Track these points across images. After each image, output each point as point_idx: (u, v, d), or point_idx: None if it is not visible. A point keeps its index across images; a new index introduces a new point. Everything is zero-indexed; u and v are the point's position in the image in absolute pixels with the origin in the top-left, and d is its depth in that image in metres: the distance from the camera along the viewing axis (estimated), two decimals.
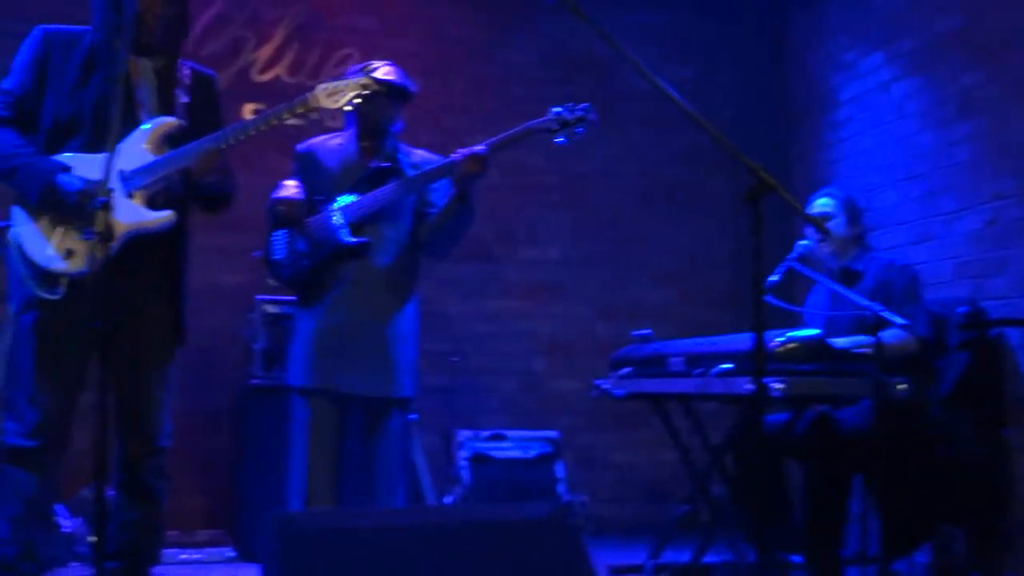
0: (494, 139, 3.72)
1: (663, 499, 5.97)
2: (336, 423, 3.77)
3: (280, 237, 3.81)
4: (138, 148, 3.18)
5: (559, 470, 5.64)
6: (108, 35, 3.21)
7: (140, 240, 3.13)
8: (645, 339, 4.36)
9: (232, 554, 5.06)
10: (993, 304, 4.64)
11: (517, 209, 6.35)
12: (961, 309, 4.43)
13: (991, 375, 4.40)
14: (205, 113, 3.37)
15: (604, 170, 6.48)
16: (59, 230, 3.12)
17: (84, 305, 2.88)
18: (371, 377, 3.73)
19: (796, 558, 4.11)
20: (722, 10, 6.68)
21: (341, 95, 3.38)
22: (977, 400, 4.32)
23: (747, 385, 3.47)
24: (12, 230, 3.17)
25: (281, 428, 3.84)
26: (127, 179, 3.14)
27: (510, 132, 3.73)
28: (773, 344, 3.53)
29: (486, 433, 5.67)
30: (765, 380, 3.16)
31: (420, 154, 3.95)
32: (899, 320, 3.71)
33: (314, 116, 5.70)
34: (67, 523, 4.62)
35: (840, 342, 3.71)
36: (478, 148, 3.68)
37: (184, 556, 4.98)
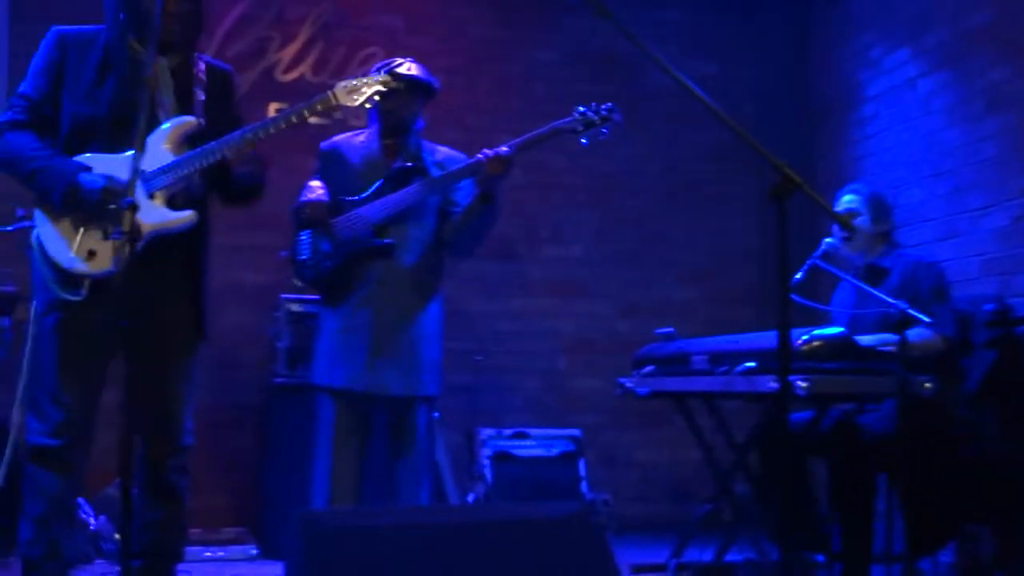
0: (518, 140, 3.71)
1: (686, 498, 5.95)
2: (361, 422, 3.79)
3: (305, 238, 3.82)
4: (158, 148, 3.17)
5: (582, 468, 5.64)
6: (122, 34, 3.20)
7: (161, 240, 3.13)
8: (668, 337, 4.35)
9: (256, 552, 5.07)
10: (1020, 301, 4.59)
11: (541, 208, 6.35)
12: (988, 306, 4.39)
13: (1018, 372, 4.35)
14: (222, 109, 3.35)
15: (628, 169, 6.47)
16: (81, 231, 3.11)
17: (106, 305, 2.89)
18: (396, 376, 3.74)
19: (820, 557, 4.09)
20: (745, 6, 6.65)
21: (361, 92, 3.37)
22: (1003, 397, 4.28)
23: (771, 383, 3.45)
24: (34, 232, 3.17)
25: (305, 426, 3.85)
26: (148, 179, 3.13)
27: (534, 133, 3.72)
28: (798, 342, 3.51)
29: (509, 431, 5.67)
30: (790, 378, 3.15)
31: (443, 151, 3.95)
32: (925, 318, 3.68)
33: (337, 115, 5.75)
34: (93, 521, 4.65)
35: (865, 340, 3.69)
36: (502, 149, 3.67)
37: (208, 554, 5.00)
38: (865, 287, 3.97)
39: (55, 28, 3.29)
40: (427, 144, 3.93)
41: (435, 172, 3.83)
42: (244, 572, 4.80)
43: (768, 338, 3.57)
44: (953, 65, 5.37)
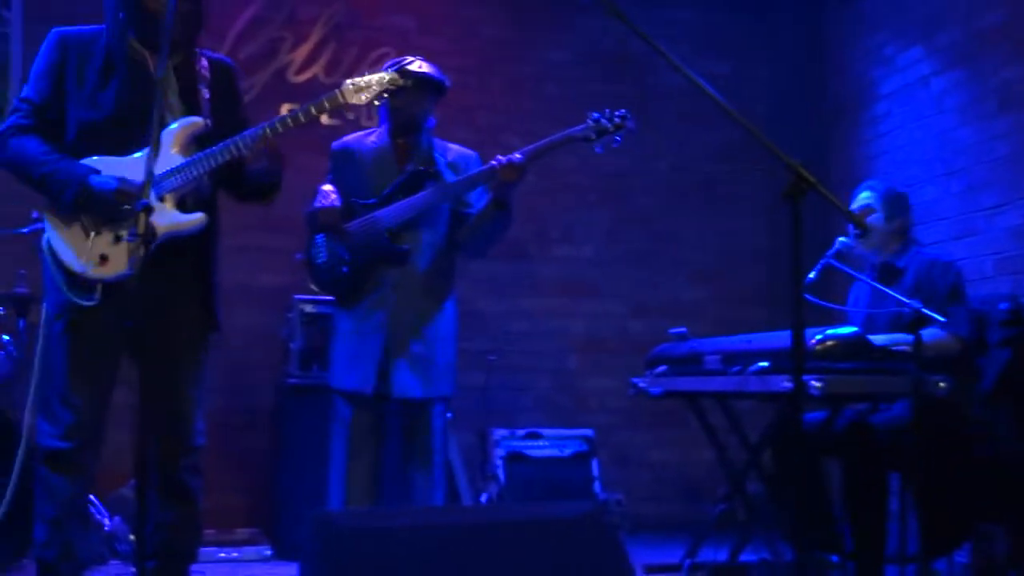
0: (531, 147, 3.69)
1: (699, 497, 5.95)
2: (376, 424, 3.79)
3: (320, 241, 3.83)
4: (166, 150, 3.13)
5: (595, 468, 5.64)
6: (122, 34, 3.17)
7: (172, 242, 3.11)
8: (681, 337, 4.34)
9: (270, 552, 5.08)
10: None
11: (553, 208, 6.35)
12: (1002, 305, 4.37)
13: None
14: (228, 105, 3.33)
15: (639, 168, 6.46)
16: (92, 235, 3.09)
17: (118, 308, 2.89)
18: (411, 379, 3.74)
19: (834, 557, 4.08)
20: (758, 5, 6.64)
21: (370, 90, 3.34)
22: (1018, 397, 4.26)
23: (784, 383, 3.44)
24: (45, 236, 3.15)
25: (318, 427, 3.86)
26: (157, 182, 3.07)
27: (547, 140, 3.70)
28: (812, 342, 3.50)
29: (522, 432, 5.67)
30: (803, 378, 3.14)
31: (455, 150, 3.94)
32: (940, 318, 3.66)
33: (350, 116, 5.76)
34: (107, 522, 4.66)
35: (879, 339, 3.67)
36: (516, 157, 3.65)
37: (222, 554, 5.00)
38: (879, 287, 3.96)
39: (56, 29, 3.26)
40: (438, 143, 3.92)
41: (447, 174, 3.82)
42: (258, 573, 4.81)
43: (781, 338, 3.56)
44: (966, 64, 5.35)
